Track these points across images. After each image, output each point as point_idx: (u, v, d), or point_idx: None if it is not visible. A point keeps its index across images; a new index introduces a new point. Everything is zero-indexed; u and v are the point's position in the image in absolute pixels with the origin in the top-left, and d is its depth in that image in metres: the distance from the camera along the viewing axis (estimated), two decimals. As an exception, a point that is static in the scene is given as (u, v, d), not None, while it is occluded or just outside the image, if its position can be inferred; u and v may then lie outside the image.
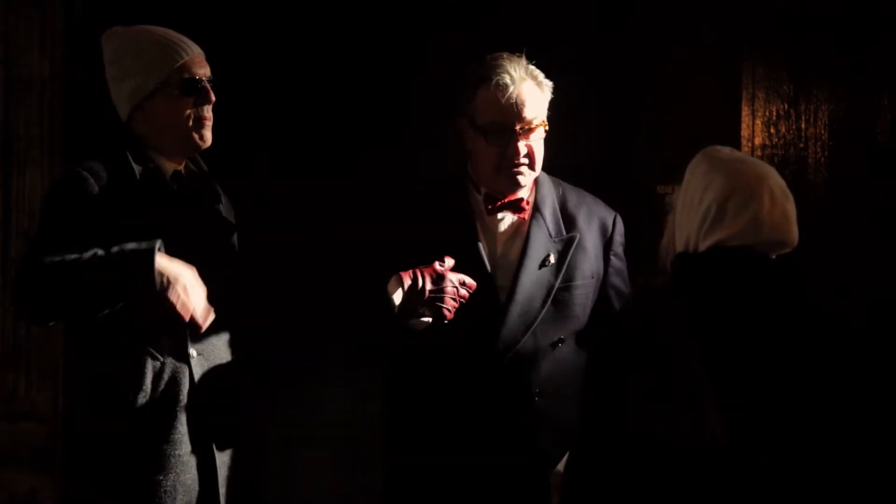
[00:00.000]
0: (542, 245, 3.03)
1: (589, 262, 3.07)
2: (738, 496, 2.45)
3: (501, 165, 2.98)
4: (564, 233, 3.06)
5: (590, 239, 3.09)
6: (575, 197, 3.15)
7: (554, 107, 3.22)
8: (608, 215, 3.14)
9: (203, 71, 2.88)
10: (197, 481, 2.83)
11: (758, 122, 3.59)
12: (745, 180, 2.56)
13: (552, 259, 3.02)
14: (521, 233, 3.06)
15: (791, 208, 2.57)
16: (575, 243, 3.06)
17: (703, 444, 2.46)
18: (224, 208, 3.01)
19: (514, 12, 3.89)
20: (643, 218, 3.69)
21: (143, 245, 2.68)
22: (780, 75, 3.56)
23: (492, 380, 2.96)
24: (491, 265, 3.01)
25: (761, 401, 2.46)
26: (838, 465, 2.48)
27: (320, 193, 3.89)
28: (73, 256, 2.66)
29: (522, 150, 2.97)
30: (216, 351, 2.89)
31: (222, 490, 2.87)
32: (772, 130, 3.58)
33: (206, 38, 2.97)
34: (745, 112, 3.59)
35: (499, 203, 3.03)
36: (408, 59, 3.96)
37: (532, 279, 3.00)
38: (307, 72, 3.99)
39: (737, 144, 3.56)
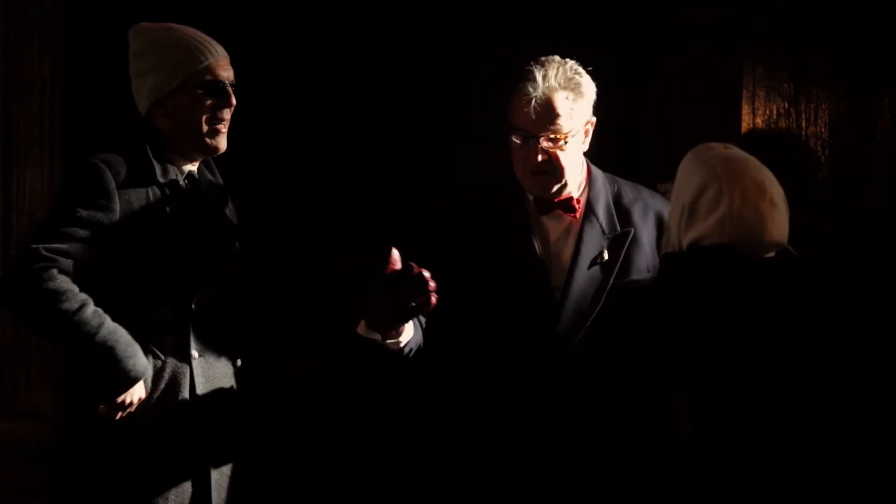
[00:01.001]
0: (594, 243, 3.04)
1: (644, 256, 3.08)
2: (711, 495, 2.45)
3: (525, 168, 3.01)
4: (619, 228, 3.08)
5: (646, 233, 3.10)
6: (630, 192, 3.17)
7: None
8: (665, 208, 3.13)
9: (227, 74, 2.89)
10: (191, 484, 2.83)
11: (758, 120, 3.59)
12: (717, 179, 2.55)
13: (606, 255, 3.04)
14: (573, 232, 3.07)
15: (766, 207, 2.53)
16: (629, 239, 3.07)
17: (672, 443, 2.46)
18: (230, 213, 3.01)
19: (514, 12, 3.89)
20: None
21: (130, 368, 2.72)
22: (781, 74, 3.55)
23: (548, 378, 2.96)
24: (545, 265, 3.02)
25: (736, 401, 2.46)
26: (816, 467, 2.48)
27: (324, 195, 3.89)
28: (78, 308, 2.67)
29: (542, 156, 2.98)
30: (218, 353, 2.89)
31: (215, 494, 2.86)
32: (772, 129, 3.58)
33: (222, 35, 2.98)
34: (746, 110, 3.58)
35: (548, 203, 3.04)
36: (408, 59, 3.95)
37: (585, 277, 3.01)
38: (307, 72, 3.97)
39: (737, 143, 3.56)
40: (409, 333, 2.83)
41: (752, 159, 2.64)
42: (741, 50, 3.56)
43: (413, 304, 2.69)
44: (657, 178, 3.76)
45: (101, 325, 2.68)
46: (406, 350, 2.85)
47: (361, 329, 2.79)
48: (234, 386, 2.93)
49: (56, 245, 2.68)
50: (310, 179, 3.92)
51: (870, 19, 3.41)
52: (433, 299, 2.69)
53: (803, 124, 3.57)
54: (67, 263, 2.70)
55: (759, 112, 3.57)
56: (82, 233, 2.70)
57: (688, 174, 2.64)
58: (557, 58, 3.04)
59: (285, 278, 3.80)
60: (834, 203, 3.51)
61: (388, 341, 2.80)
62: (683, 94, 3.79)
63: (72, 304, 2.66)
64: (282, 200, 3.86)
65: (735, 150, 2.66)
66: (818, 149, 3.59)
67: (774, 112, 3.57)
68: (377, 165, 3.92)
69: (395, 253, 2.71)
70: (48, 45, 3.80)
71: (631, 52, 3.92)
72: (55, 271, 2.68)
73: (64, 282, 2.67)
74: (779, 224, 2.57)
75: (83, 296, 2.69)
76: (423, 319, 2.96)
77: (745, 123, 3.58)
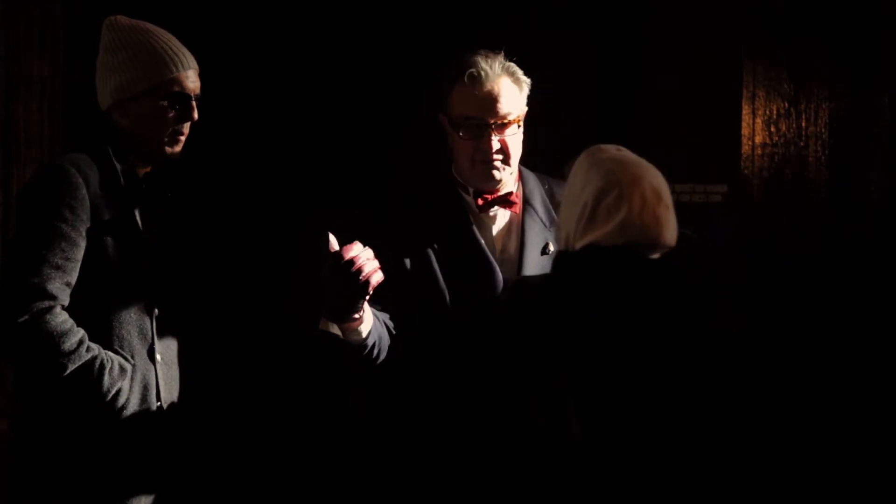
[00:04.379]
0: (538, 235, 3.06)
1: None
2: (599, 493, 2.46)
3: (475, 160, 3.00)
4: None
5: None
6: (561, 189, 3.19)
7: (553, 105, 3.22)
8: None
9: (193, 87, 2.85)
10: (160, 485, 2.83)
11: (758, 120, 3.59)
12: (617, 182, 2.55)
13: (551, 247, 3.05)
14: (515, 227, 3.08)
15: (664, 211, 2.55)
16: None
17: (562, 442, 2.47)
18: (183, 214, 3.00)
19: (511, 10, 3.88)
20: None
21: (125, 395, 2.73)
22: (781, 74, 3.56)
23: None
24: (494, 259, 3.03)
25: (626, 399, 2.47)
26: (708, 469, 2.49)
27: (303, 195, 3.89)
28: (69, 346, 2.63)
29: (495, 144, 2.98)
30: (173, 355, 2.89)
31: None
32: (772, 129, 3.58)
33: (201, 37, 2.97)
34: (746, 110, 3.59)
35: (489, 199, 3.05)
36: (397, 57, 3.94)
37: (536, 266, 3.02)
38: (294, 72, 3.96)
39: (737, 142, 3.57)
40: (368, 323, 2.80)
41: (644, 162, 2.64)
42: (741, 50, 3.56)
43: (361, 278, 2.66)
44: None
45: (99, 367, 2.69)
46: (370, 343, 2.82)
47: (322, 324, 2.77)
48: (188, 389, 2.94)
49: (55, 275, 2.64)
50: (293, 180, 3.92)
51: (869, 20, 3.42)
52: (378, 273, 2.70)
53: (803, 124, 3.57)
54: (67, 296, 2.68)
55: (759, 112, 3.58)
56: (70, 252, 2.67)
57: (583, 176, 2.63)
58: (485, 50, 3.04)
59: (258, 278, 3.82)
60: (834, 203, 3.51)
61: (351, 335, 2.79)
62: (684, 94, 3.79)
63: (72, 344, 2.66)
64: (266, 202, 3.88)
65: (627, 153, 2.66)
66: (818, 149, 3.59)
67: (774, 112, 3.57)
68: (368, 165, 3.91)
69: (332, 237, 2.68)
70: (48, 45, 3.79)
71: (631, 52, 3.92)
72: (58, 309, 2.65)
73: (66, 320, 2.65)
74: (672, 227, 2.58)
75: (80, 332, 2.67)
76: (389, 324, 2.96)
77: (745, 123, 3.59)
